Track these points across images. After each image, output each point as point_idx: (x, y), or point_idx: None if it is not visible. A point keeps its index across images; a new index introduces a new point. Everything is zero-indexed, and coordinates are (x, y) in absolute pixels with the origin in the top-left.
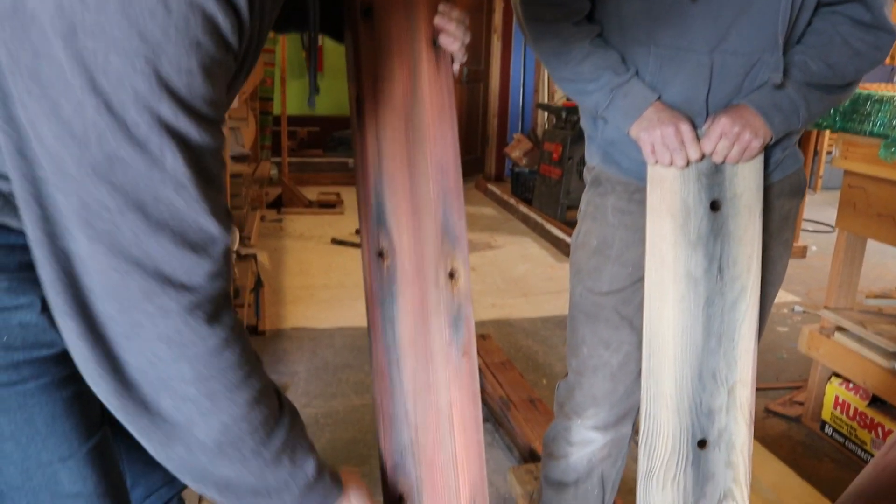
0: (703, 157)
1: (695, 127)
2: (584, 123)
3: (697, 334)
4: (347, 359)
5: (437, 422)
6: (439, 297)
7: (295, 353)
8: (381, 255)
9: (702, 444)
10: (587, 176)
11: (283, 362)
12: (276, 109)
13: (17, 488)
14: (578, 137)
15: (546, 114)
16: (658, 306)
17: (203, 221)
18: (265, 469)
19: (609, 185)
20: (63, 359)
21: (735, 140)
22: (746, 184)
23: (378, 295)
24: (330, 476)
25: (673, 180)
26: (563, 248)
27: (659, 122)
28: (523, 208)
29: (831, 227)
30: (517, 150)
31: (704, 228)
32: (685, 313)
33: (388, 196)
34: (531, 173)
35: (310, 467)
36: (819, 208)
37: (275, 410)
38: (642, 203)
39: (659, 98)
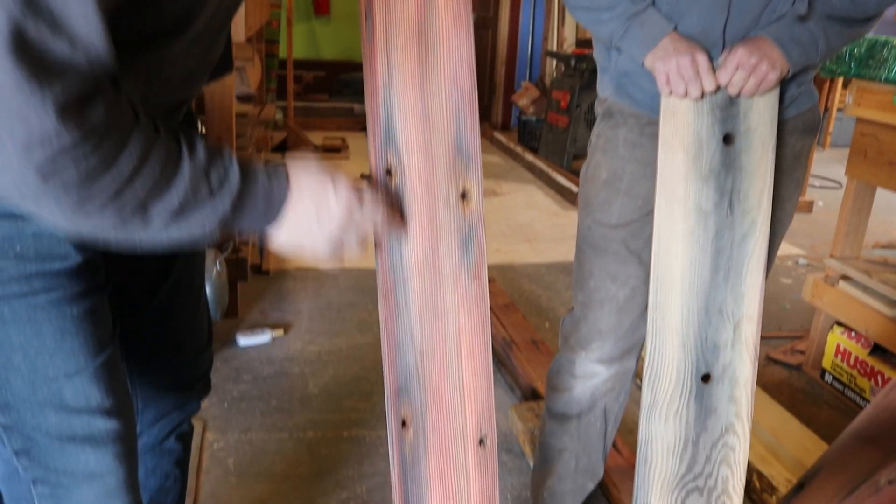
0: (718, 88)
1: (711, 58)
2: (598, 55)
3: (705, 269)
4: (351, 298)
5: (444, 347)
6: (450, 218)
7: (299, 293)
8: (389, 172)
9: (705, 378)
10: (598, 109)
11: (287, 301)
12: (282, 53)
13: (23, 400)
14: (587, 85)
15: (555, 62)
16: (667, 239)
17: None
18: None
19: (621, 117)
20: (76, 274)
21: (751, 72)
22: (761, 117)
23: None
24: (266, 171)
25: (686, 112)
26: (568, 197)
27: (675, 52)
28: (529, 157)
29: (839, 183)
30: (524, 98)
31: (716, 162)
32: (694, 247)
33: (398, 111)
34: (538, 122)
35: (230, 184)
36: (827, 165)
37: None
38: (654, 136)
39: (675, 28)
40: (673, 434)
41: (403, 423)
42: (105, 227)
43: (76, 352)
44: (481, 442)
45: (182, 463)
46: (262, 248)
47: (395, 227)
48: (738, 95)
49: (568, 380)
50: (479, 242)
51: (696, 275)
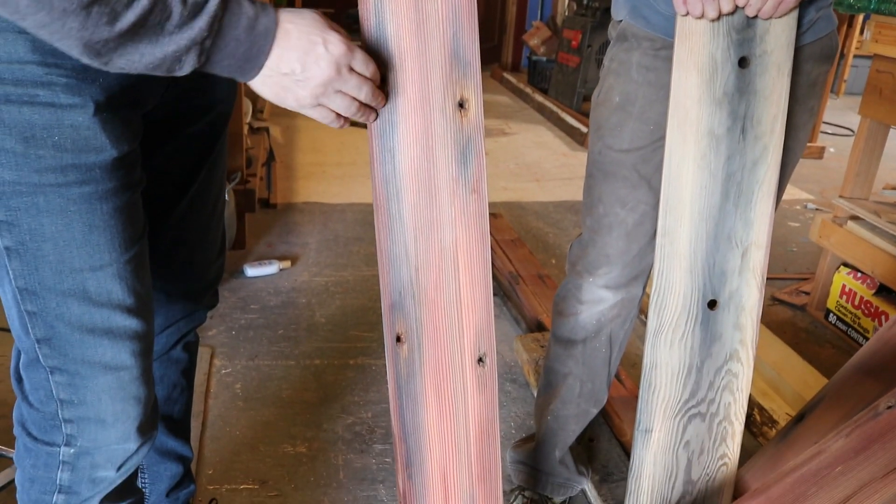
0: (735, 9)
1: None
2: None
3: (716, 194)
4: (358, 232)
5: (441, 261)
6: (446, 128)
7: (306, 226)
8: (382, 80)
9: (712, 304)
10: (612, 32)
11: (295, 233)
12: None
13: (49, 289)
14: (599, 25)
15: (567, 0)
16: (678, 163)
17: None
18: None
19: (635, 40)
20: (110, 169)
21: None
22: (777, 41)
23: (377, 124)
24: (254, 4)
25: (702, 34)
26: (577, 137)
27: None
28: (539, 97)
29: (851, 130)
30: (535, 38)
31: (731, 85)
32: (704, 172)
33: (390, 14)
34: (549, 62)
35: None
36: (840, 112)
37: None
38: (668, 60)
39: None
40: (678, 360)
41: (398, 339)
42: (70, 28)
43: (102, 247)
44: (480, 361)
45: (188, 373)
46: (269, 182)
47: (383, 100)
48: (756, 17)
49: (574, 305)
50: (478, 154)
51: (705, 200)
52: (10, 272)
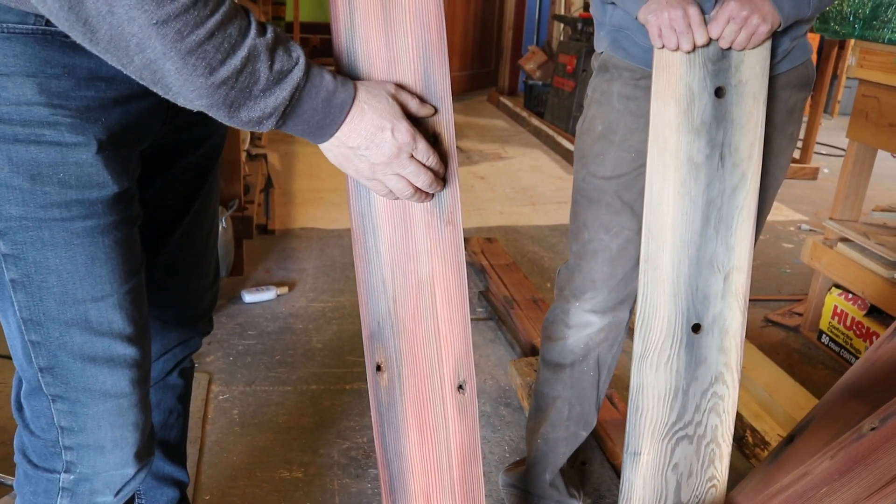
0: (709, 42)
1: (703, 11)
2: (594, 10)
3: (696, 220)
4: None
5: (417, 292)
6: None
7: (303, 252)
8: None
9: (696, 328)
10: (594, 63)
11: (292, 259)
12: (289, 16)
13: (53, 319)
14: (594, 50)
15: (562, 25)
16: (658, 191)
17: None
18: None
19: (616, 71)
20: (111, 204)
21: (743, 24)
22: (752, 71)
23: None
24: (335, 78)
25: (678, 65)
26: (572, 161)
27: (667, 5)
28: (535, 121)
29: (845, 151)
30: (531, 63)
31: (708, 115)
32: (685, 199)
33: (361, 56)
34: (544, 86)
35: (299, 62)
36: (834, 133)
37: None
38: (648, 89)
39: None
40: (664, 383)
41: (378, 368)
42: (174, 66)
43: (104, 279)
44: (460, 388)
45: (184, 398)
46: (267, 208)
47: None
48: (730, 48)
49: (562, 329)
50: (451, 186)
51: (686, 226)
52: (16, 304)
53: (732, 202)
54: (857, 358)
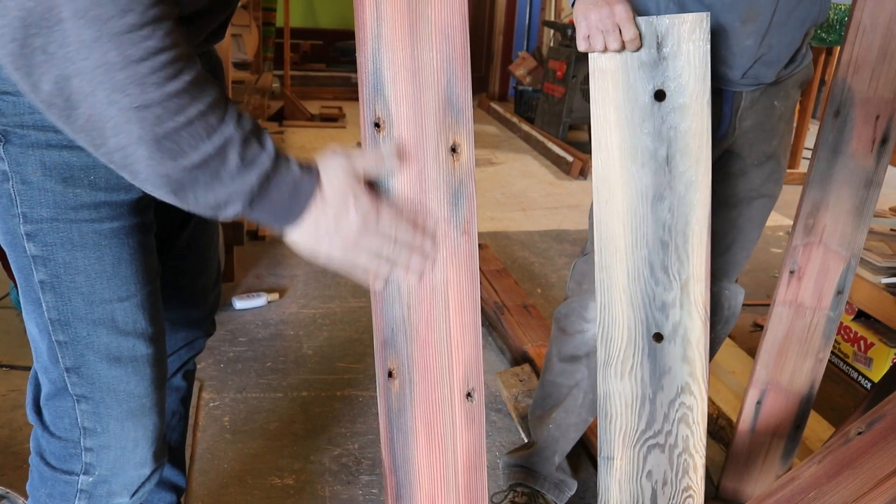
0: (639, 39)
1: (632, 9)
2: None
3: (647, 228)
4: None
5: (432, 300)
6: (439, 172)
7: (294, 258)
8: (377, 125)
9: (657, 337)
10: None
11: (283, 266)
12: (279, 21)
13: (80, 319)
14: (583, 55)
15: (552, 31)
16: (606, 199)
17: None
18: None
19: None
20: (136, 207)
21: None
22: (693, 72)
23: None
24: (298, 165)
25: (615, 71)
26: (563, 167)
27: (594, 5)
28: (525, 127)
29: None
30: (521, 69)
31: (649, 120)
32: (633, 207)
33: (387, 64)
34: (535, 92)
35: (265, 158)
36: None
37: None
38: None
39: None
40: (630, 390)
41: (390, 374)
42: (140, 153)
43: (129, 279)
44: (469, 395)
45: (186, 401)
46: None
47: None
48: (667, 51)
49: (579, 323)
50: (468, 197)
51: (638, 234)
52: (44, 304)
53: (682, 209)
54: (844, 362)
